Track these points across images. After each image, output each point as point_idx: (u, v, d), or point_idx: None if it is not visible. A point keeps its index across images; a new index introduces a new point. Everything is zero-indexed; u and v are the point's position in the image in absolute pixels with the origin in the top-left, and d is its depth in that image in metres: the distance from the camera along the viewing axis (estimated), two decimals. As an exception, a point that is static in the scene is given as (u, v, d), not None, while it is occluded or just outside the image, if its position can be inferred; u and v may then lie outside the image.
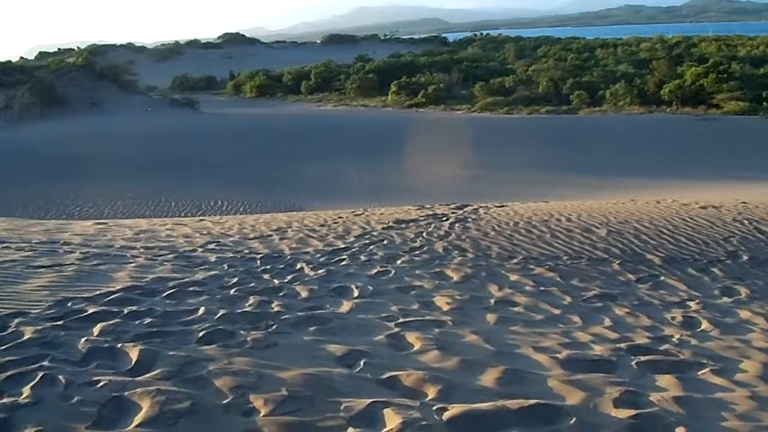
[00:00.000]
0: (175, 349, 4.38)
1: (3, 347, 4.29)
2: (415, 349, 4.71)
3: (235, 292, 6.21)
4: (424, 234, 9.76)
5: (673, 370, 4.46)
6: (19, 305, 5.22)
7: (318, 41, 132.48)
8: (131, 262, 7.38)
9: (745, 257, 8.59)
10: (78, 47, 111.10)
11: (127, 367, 4.09)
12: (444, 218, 10.96)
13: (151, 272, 6.85)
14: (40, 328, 4.68)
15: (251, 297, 5.99)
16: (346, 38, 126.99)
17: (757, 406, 3.89)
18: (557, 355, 4.66)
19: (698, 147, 34.08)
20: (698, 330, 5.65)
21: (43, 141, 37.70)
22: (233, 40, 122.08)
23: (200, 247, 8.65)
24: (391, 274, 7.38)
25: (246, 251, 8.43)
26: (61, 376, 3.83)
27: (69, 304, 5.36)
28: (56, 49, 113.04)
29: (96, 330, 4.75)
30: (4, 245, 7.98)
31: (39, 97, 50.62)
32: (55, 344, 4.41)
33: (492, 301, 6.40)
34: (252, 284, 6.58)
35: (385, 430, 3.38)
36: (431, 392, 3.87)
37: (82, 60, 76.47)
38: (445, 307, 6.01)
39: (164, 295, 5.92)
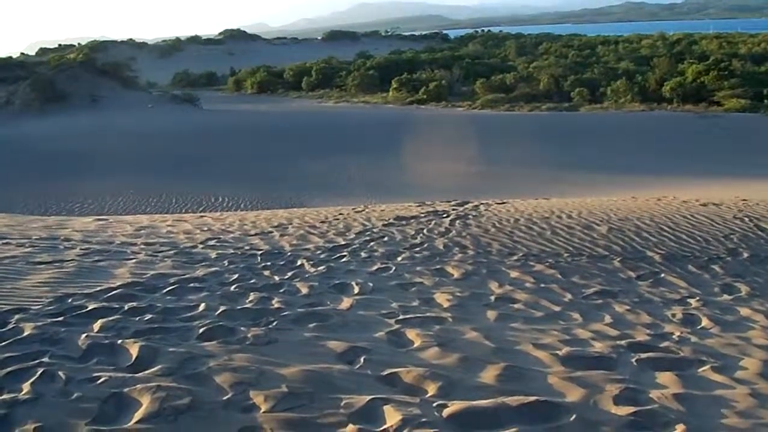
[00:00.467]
0: (175, 346, 4.38)
1: (3, 343, 4.29)
2: (415, 345, 4.70)
3: (235, 288, 6.21)
4: (425, 231, 9.75)
5: (674, 368, 4.46)
6: (19, 301, 5.22)
7: (319, 38, 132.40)
8: (132, 259, 7.39)
9: (745, 254, 8.58)
10: (79, 43, 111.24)
11: (127, 364, 4.09)
12: (444, 215, 10.95)
13: (152, 268, 6.85)
14: (40, 324, 4.68)
15: (251, 293, 5.99)
16: (347, 35, 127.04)
17: (757, 403, 3.89)
18: (557, 351, 4.66)
19: (699, 144, 34.06)
20: (698, 327, 5.65)
21: (44, 137, 37.71)
22: (234, 36, 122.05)
23: (201, 243, 8.65)
24: (391, 271, 7.38)
25: (246, 248, 8.43)
26: (61, 372, 3.83)
27: (69, 300, 5.36)
28: (57, 45, 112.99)
29: (96, 326, 4.75)
30: (5, 241, 7.99)
31: (39, 93, 50.64)
32: (55, 340, 4.41)
33: (492, 297, 6.40)
34: (252, 281, 6.58)
35: (384, 426, 3.38)
36: (431, 389, 3.87)
37: (82, 56, 76.51)
38: (446, 304, 6.01)
39: (165, 291, 5.92)
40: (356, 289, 6.41)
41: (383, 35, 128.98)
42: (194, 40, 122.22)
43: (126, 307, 5.25)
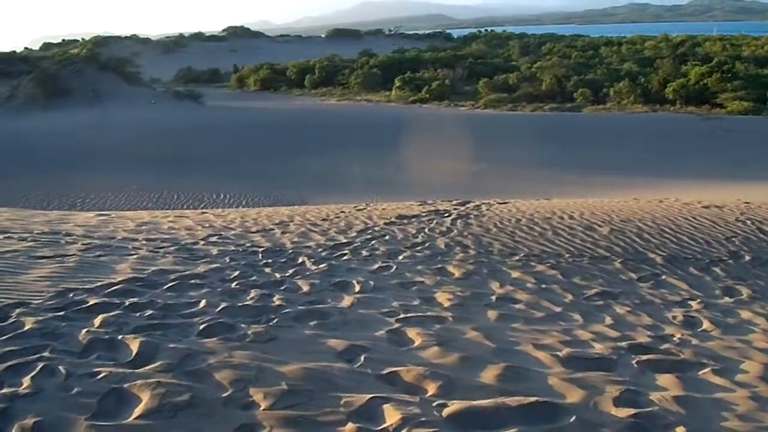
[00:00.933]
0: (175, 342, 4.38)
1: (4, 337, 4.29)
2: (415, 344, 4.70)
3: (236, 285, 6.21)
4: (426, 230, 9.75)
5: (674, 370, 4.45)
6: (20, 295, 5.23)
7: (322, 35, 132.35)
8: (133, 254, 7.39)
9: (747, 257, 8.57)
10: (82, 38, 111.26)
11: (127, 359, 4.09)
12: (446, 214, 10.95)
13: (153, 264, 6.85)
14: (41, 318, 4.68)
15: (252, 290, 5.99)
16: (350, 33, 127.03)
17: (758, 406, 3.88)
18: (558, 352, 4.66)
19: (701, 146, 34.04)
20: (699, 329, 5.64)
21: (47, 132, 37.73)
22: (238, 33, 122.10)
23: (202, 239, 8.65)
24: (392, 270, 7.38)
25: (248, 244, 8.43)
26: (61, 367, 3.83)
27: (70, 295, 5.36)
28: (61, 40, 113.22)
29: (97, 321, 4.75)
30: (7, 235, 7.99)
31: (43, 88, 50.67)
32: (56, 335, 4.41)
33: (493, 297, 6.39)
34: (253, 277, 6.58)
35: (384, 425, 3.38)
36: (431, 388, 3.87)
37: (86, 51, 76.60)
38: (446, 303, 6.01)
39: (165, 287, 5.92)
40: (357, 288, 6.41)
41: (387, 34, 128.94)
42: (198, 36, 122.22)
43: (127, 303, 5.25)
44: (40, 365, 3.84)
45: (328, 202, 15.55)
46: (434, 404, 3.61)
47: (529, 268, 7.79)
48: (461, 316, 5.60)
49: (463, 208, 11.67)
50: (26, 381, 3.64)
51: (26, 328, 4.48)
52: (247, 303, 5.56)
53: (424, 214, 10.98)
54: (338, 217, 10.87)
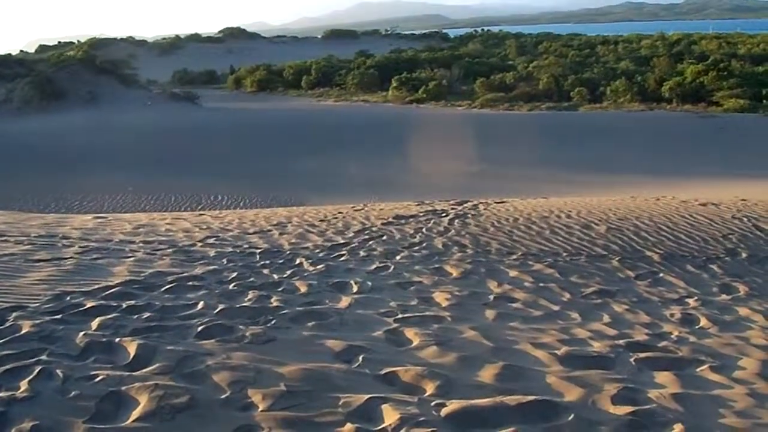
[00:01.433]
0: (173, 344, 4.38)
1: (1, 341, 4.28)
2: (413, 344, 4.70)
3: (234, 286, 6.20)
4: (424, 230, 9.75)
5: (672, 367, 4.46)
6: (17, 299, 5.22)
7: (319, 36, 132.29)
8: (130, 257, 7.38)
9: (744, 254, 8.58)
10: (78, 41, 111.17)
11: (125, 362, 4.08)
12: (443, 214, 10.95)
13: (150, 267, 6.84)
14: (38, 322, 4.67)
15: (250, 292, 5.98)
16: (347, 33, 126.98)
17: (756, 403, 3.89)
18: (556, 351, 4.66)
19: (698, 144, 34.07)
20: (697, 327, 5.65)
21: (43, 134, 37.69)
22: (234, 34, 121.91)
23: (199, 241, 8.65)
24: (390, 270, 7.38)
25: (245, 246, 8.43)
26: (59, 371, 3.83)
27: (67, 298, 5.35)
28: (56, 43, 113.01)
29: (94, 324, 4.74)
30: (3, 239, 7.98)
31: (39, 91, 50.60)
32: (53, 338, 4.40)
33: (491, 297, 6.39)
34: (251, 279, 6.58)
35: (383, 425, 3.38)
36: (430, 388, 3.87)
37: (82, 53, 76.52)
38: (444, 303, 6.01)
39: (163, 289, 5.91)
40: (355, 288, 6.41)
41: (383, 34, 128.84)
42: (194, 38, 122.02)
43: (124, 305, 5.25)
44: (38, 369, 3.83)
45: (325, 203, 15.55)
46: (433, 404, 3.61)
47: (526, 267, 7.79)
48: (459, 315, 5.60)
49: (460, 207, 11.67)
50: (24, 385, 3.64)
51: (23, 331, 4.47)
52: (245, 304, 5.55)
53: (421, 214, 10.98)
54: (336, 218, 10.87)
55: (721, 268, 7.99)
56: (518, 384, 3.99)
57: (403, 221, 10.41)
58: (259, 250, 8.13)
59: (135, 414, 3.40)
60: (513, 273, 7.48)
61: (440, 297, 6.22)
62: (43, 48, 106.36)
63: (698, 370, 4.46)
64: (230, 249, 8.17)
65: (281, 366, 4.04)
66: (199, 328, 4.76)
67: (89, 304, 5.21)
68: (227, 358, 4.14)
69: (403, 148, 30.88)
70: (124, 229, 9.50)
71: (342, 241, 8.92)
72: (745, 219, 10.40)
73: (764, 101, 43.31)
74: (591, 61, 66.17)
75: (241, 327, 4.84)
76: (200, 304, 5.41)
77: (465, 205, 11.99)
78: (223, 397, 3.62)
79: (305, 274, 6.99)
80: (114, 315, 4.99)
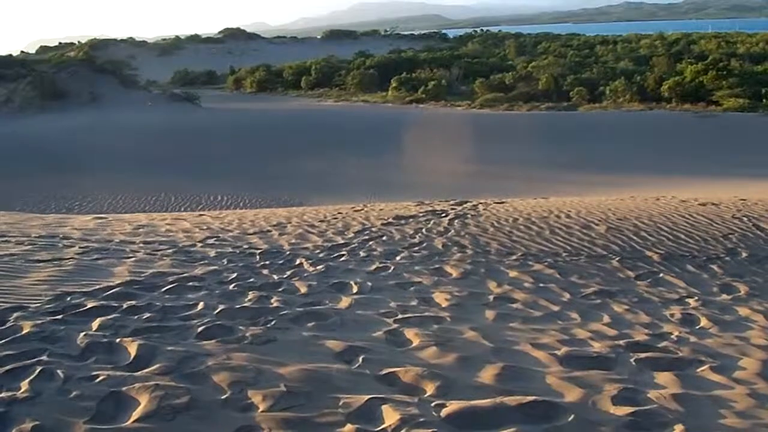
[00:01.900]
0: (173, 344, 4.38)
1: (2, 341, 4.29)
2: (413, 345, 4.71)
3: (234, 287, 6.21)
4: (424, 230, 9.75)
5: (672, 368, 4.46)
6: (18, 299, 5.22)
7: (318, 37, 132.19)
8: (130, 257, 7.38)
9: (744, 254, 8.59)
10: (79, 41, 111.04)
11: (125, 362, 4.09)
12: (443, 214, 10.95)
13: (151, 267, 6.84)
14: (39, 322, 4.68)
15: (250, 292, 5.99)
16: (346, 34, 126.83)
17: (756, 403, 3.89)
18: (556, 351, 4.66)
19: (698, 144, 34.06)
20: (697, 327, 5.65)
21: (44, 135, 37.66)
22: (234, 35, 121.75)
23: (200, 242, 8.65)
24: (390, 270, 7.38)
25: (245, 246, 8.43)
26: (59, 371, 3.83)
27: (68, 299, 5.36)
28: (57, 44, 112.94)
29: (95, 324, 4.75)
30: (4, 239, 7.98)
31: (40, 91, 50.57)
32: (54, 339, 4.41)
33: (491, 297, 6.40)
34: (251, 279, 6.58)
35: (383, 426, 3.38)
36: (430, 388, 3.87)
37: (82, 54, 76.53)
38: (444, 304, 6.01)
39: (163, 290, 5.92)
40: (355, 289, 6.41)
41: (383, 34, 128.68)
42: (194, 38, 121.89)
43: (125, 306, 5.25)
44: (39, 369, 3.84)
45: (325, 203, 15.56)
46: (433, 404, 3.61)
47: (526, 268, 7.79)
48: (459, 316, 5.60)
49: (460, 208, 11.67)
50: (25, 385, 3.64)
51: (24, 332, 4.48)
52: (245, 305, 5.56)
53: (421, 215, 10.98)
54: (336, 218, 10.87)
55: (722, 268, 7.99)
56: (518, 384, 3.99)
57: (402, 222, 10.41)
58: (259, 251, 8.14)
59: (135, 414, 3.40)
60: (513, 273, 7.49)
61: (440, 297, 6.22)
62: (43, 49, 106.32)
63: (698, 370, 4.47)
64: (230, 249, 8.18)
65: (281, 366, 4.04)
66: (200, 329, 4.77)
67: (90, 305, 5.22)
68: (227, 359, 4.14)
69: (402, 149, 30.87)
70: (124, 230, 9.51)
71: (342, 242, 8.93)
72: (745, 218, 10.40)
73: (764, 100, 43.23)
74: (590, 61, 66.07)
75: (241, 327, 4.84)
76: (200, 305, 5.41)
77: (465, 205, 11.99)
78: (223, 397, 3.62)
79: (305, 274, 7.00)
80: (114, 315, 5.00)
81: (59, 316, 4.87)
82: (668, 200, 12.52)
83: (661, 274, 7.68)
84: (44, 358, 4.04)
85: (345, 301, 5.88)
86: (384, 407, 3.54)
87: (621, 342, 4.99)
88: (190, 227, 10.00)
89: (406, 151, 30.28)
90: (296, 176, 27.62)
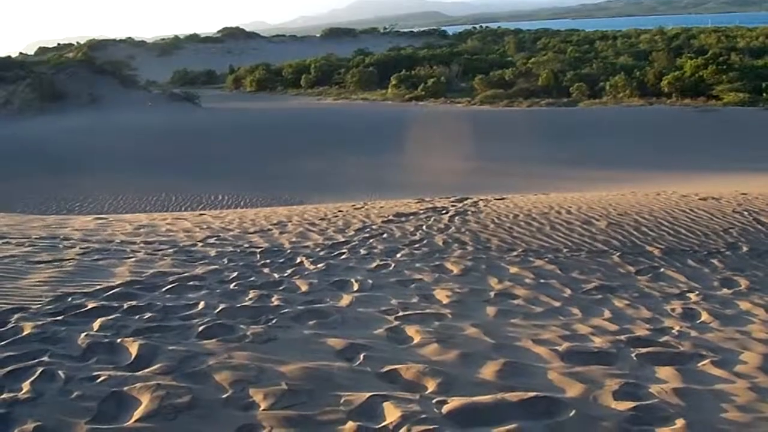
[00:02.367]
0: (175, 344, 4.39)
1: (3, 343, 4.30)
2: (414, 342, 4.71)
3: (235, 286, 6.21)
4: (424, 227, 9.75)
5: (673, 362, 4.46)
6: (19, 300, 5.23)
7: (318, 35, 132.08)
8: (131, 257, 7.39)
9: (744, 248, 8.58)
10: (77, 42, 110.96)
11: (126, 362, 4.09)
12: (444, 211, 10.95)
13: (151, 267, 6.85)
14: (40, 323, 4.68)
15: (251, 291, 5.99)
16: (345, 32, 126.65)
17: (757, 397, 3.89)
18: (557, 347, 4.66)
19: (698, 138, 34.03)
20: (698, 321, 5.66)
21: (43, 136, 37.67)
22: (233, 34, 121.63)
23: (200, 241, 8.65)
24: (390, 268, 7.38)
25: (246, 245, 8.43)
26: (60, 372, 3.83)
27: (69, 300, 5.36)
28: (56, 45, 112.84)
29: (96, 325, 4.75)
30: (4, 241, 7.99)
31: (39, 93, 50.55)
32: (55, 339, 4.41)
33: (492, 293, 6.40)
34: (252, 278, 6.58)
35: (384, 423, 3.38)
36: (431, 385, 3.88)
37: (81, 55, 76.51)
38: (445, 300, 6.02)
39: (164, 289, 5.92)
40: (356, 286, 6.42)
41: (382, 32, 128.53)
42: (193, 38, 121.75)
43: (125, 306, 5.26)
44: (40, 370, 3.84)
45: (326, 202, 15.55)
46: (434, 401, 3.62)
47: (527, 264, 7.80)
48: (460, 312, 5.61)
49: (460, 204, 11.67)
50: (26, 386, 3.65)
51: (25, 333, 4.48)
52: (245, 304, 5.56)
53: (421, 212, 10.98)
54: (336, 216, 10.87)
55: (722, 263, 7.99)
56: (519, 380, 3.99)
57: (403, 219, 10.41)
58: (259, 250, 8.14)
59: (137, 414, 3.41)
60: (513, 269, 7.49)
61: (441, 294, 6.22)
62: (42, 50, 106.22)
63: (699, 364, 4.47)
64: (231, 248, 8.18)
65: (282, 365, 4.04)
66: (201, 328, 4.77)
67: (91, 305, 5.22)
68: (228, 358, 4.15)
69: (402, 146, 30.86)
70: (125, 230, 9.51)
71: (342, 240, 8.93)
72: (745, 213, 10.39)
73: (764, 94, 43.18)
74: (590, 56, 65.95)
75: (242, 326, 4.85)
76: (201, 304, 5.42)
77: (465, 202, 11.99)
78: (224, 396, 3.62)
79: (306, 272, 7.00)
80: (115, 315, 5.00)
81: (60, 317, 4.88)
82: (669, 195, 12.51)
83: (662, 269, 7.68)
84: (45, 358, 4.04)
85: (346, 299, 5.88)
86: (385, 404, 3.55)
87: (622, 337, 4.99)
88: (191, 227, 10.00)
89: (406, 148, 30.27)
90: (296, 175, 27.61)
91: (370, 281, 6.64)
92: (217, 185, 25.77)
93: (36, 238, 8.32)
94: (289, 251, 8.12)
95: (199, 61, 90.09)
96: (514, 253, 8.30)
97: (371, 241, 8.87)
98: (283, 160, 30.68)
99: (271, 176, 27.42)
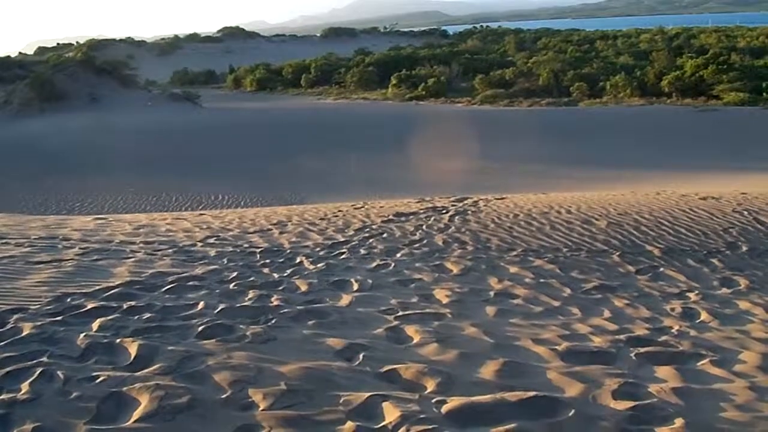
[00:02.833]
0: (174, 344, 4.38)
1: (2, 343, 4.29)
2: (414, 342, 4.71)
3: (234, 286, 6.21)
4: (424, 227, 9.75)
5: (673, 361, 4.46)
6: (18, 301, 5.22)
7: (318, 35, 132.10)
8: (131, 257, 7.39)
9: (744, 248, 8.58)
10: (77, 42, 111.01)
11: (126, 363, 4.09)
12: (444, 211, 10.95)
13: (151, 267, 6.85)
14: (39, 323, 4.68)
15: (251, 291, 5.99)
16: (345, 31, 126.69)
17: (756, 396, 3.89)
18: (556, 347, 4.66)
19: (698, 138, 34.02)
20: (697, 321, 5.65)
21: (43, 136, 37.67)
22: (233, 33, 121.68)
23: (200, 241, 8.65)
24: (390, 267, 7.38)
25: (246, 245, 8.43)
26: (59, 372, 3.83)
27: (68, 300, 5.36)
28: (55, 44, 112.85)
29: (95, 325, 4.75)
30: (4, 241, 7.99)
31: (38, 93, 50.56)
32: (54, 340, 4.41)
33: (491, 293, 6.40)
34: (251, 278, 6.58)
35: (384, 423, 3.38)
36: (430, 385, 3.88)
37: (81, 55, 76.45)
38: (445, 300, 6.02)
39: (163, 289, 5.92)
40: (355, 286, 6.42)
41: (382, 32, 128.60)
42: (193, 38, 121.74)
43: (125, 306, 5.25)
44: (39, 370, 3.84)
45: (325, 201, 15.54)
46: (433, 401, 3.62)
47: (527, 263, 7.79)
48: (460, 312, 5.61)
49: (460, 204, 11.67)
50: (25, 387, 3.65)
51: (24, 333, 4.48)
52: (245, 304, 5.56)
53: (421, 212, 10.98)
54: (336, 216, 10.87)
55: (722, 262, 7.98)
56: (519, 380, 3.99)
57: (403, 218, 10.41)
58: (259, 249, 8.14)
59: (136, 415, 3.41)
60: (513, 269, 7.49)
61: (441, 294, 6.22)
62: (41, 50, 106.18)
63: (699, 364, 4.47)
64: (231, 248, 8.18)
65: (282, 365, 4.04)
66: (200, 328, 4.77)
67: (90, 306, 5.22)
68: (228, 358, 4.15)
69: (402, 146, 30.84)
70: (124, 230, 9.51)
71: (342, 240, 8.93)
72: (745, 212, 10.39)
73: (764, 94, 43.18)
74: (590, 56, 65.95)
75: (241, 326, 4.85)
76: (201, 304, 5.42)
77: (465, 201, 11.99)
78: (223, 396, 3.62)
79: (305, 272, 7.00)
80: (115, 316, 5.00)
81: (59, 318, 4.88)
82: (669, 195, 12.50)
83: (662, 269, 7.68)
84: (44, 359, 4.04)
85: (345, 299, 5.88)
86: (385, 404, 3.55)
87: (621, 336, 4.99)
88: (191, 227, 10.00)
89: (407, 148, 30.25)
90: (296, 175, 27.60)
91: (370, 281, 6.64)
92: (217, 185, 25.76)
93: (35, 239, 8.32)
94: (288, 251, 8.12)
95: (198, 61, 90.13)
96: (514, 253, 8.30)
97: (371, 240, 8.87)
98: (282, 160, 30.67)
99: (271, 176, 27.41)
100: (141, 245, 8.24)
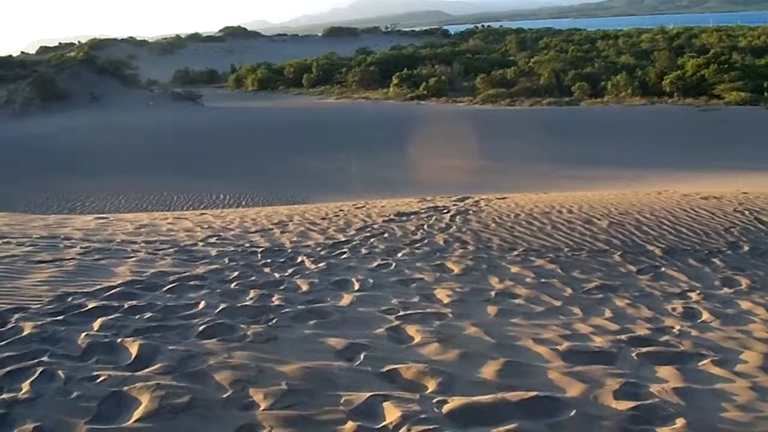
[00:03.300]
0: (175, 344, 4.38)
1: (3, 342, 4.29)
2: (415, 341, 4.70)
3: (235, 285, 6.21)
4: (425, 226, 9.75)
5: (674, 361, 4.46)
6: (19, 300, 5.23)
7: (319, 34, 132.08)
8: (132, 257, 7.39)
9: (745, 248, 8.57)
10: (79, 42, 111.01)
11: (127, 362, 4.09)
12: (445, 210, 10.95)
13: (152, 266, 6.84)
14: (40, 323, 4.68)
15: (252, 291, 5.99)
16: (347, 31, 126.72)
17: (758, 396, 3.89)
18: (558, 346, 4.66)
19: (699, 138, 33.99)
20: (699, 321, 5.65)
21: (45, 136, 37.70)
22: (234, 33, 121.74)
23: (201, 241, 8.65)
24: (391, 267, 7.38)
25: (247, 245, 8.43)
26: (60, 372, 3.83)
27: (69, 299, 5.36)
28: (57, 44, 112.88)
29: (96, 325, 4.75)
30: (5, 240, 7.99)
31: (40, 92, 50.63)
32: (55, 339, 4.41)
33: (493, 293, 6.39)
34: (253, 278, 6.58)
35: (384, 423, 3.38)
36: (431, 385, 3.87)
37: (83, 54, 76.45)
38: (446, 300, 6.01)
39: (165, 289, 5.92)
40: (356, 286, 6.41)
41: (383, 31, 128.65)
42: (194, 37, 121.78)
43: (126, 306, 5.25)
44: (40, 370, 3.84)
45: (326, 201, 15.54)
46: (434, 401, 3.61)
47: (528, 263, 7.79)
48: (461, 312, 5.60)
49: (461, 204, 11.66)
50: (25, 386, 3.64)
51: (25, 333, 4.48)
52: (246, 303, 5.56)
53: (422, 211, 10.98)
54: (337, 216, 10.87)
55: (723, 262, 7.98)
56: (520, 380, 3.98)
57: (404, 218, 10.41)
58: (260, 249, 8.14)
59: (137, 414, 3.40)
60: (514, 269, 7.48)
61: (442, 294, 6.22)
62: (43, 49, 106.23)
63: (700, 364, 4.46)
64: (232, 248, 8.18)
65: (283, 365, 4.04)
66: (201, 328, 4.77)
67: (91, 305, 5.22)
68: (229, 358, 4.14)
69: (404, 145, 30.83)
70: (125, 230, 9.51)
71: (343, 239, 8.93)
72: (746, 212, 10.38)
73: (765, 94, 43.14)
74: (591, 55, 65.91)
75: (242, 326, 4.84)
76: (202, 304, 5.42)
77: (466, 201, 11.98)
78: (224, 396, 3.62)
79: (307, 272, 7.00)
80: (116, 315, 5.00)
81: (60, 317, 4.88)
82: (670, 194, 12.50)
83: (663, 269, 7.67)
84: (45, 358, 4.04)
85: (346, 299, 5.88)
86: (385, 404, 3.54)
87: (623, 336, 4.98)
88: (192, 226, 10.00)
89: (408, 147, 30.24)
90: (298, 174, 27.59)
91: (371, 281, 6.64)
92: (219, 184, 25.76)
93: (37, 238, 8.32)
94: (290, 250, 8.12)
95: (200, 61, 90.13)
96: (515, 253, 8.29)
97: (372, 240, 8.87)
98: (284, 160, 30.67)
99: (273, 176, 27.41)
100: (142, 244, 8.24)
